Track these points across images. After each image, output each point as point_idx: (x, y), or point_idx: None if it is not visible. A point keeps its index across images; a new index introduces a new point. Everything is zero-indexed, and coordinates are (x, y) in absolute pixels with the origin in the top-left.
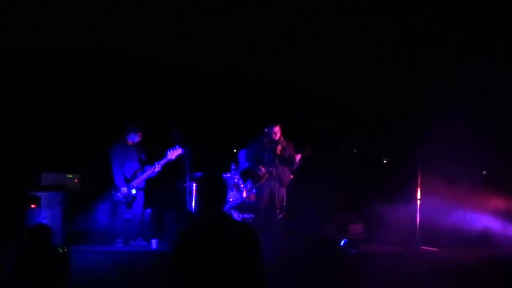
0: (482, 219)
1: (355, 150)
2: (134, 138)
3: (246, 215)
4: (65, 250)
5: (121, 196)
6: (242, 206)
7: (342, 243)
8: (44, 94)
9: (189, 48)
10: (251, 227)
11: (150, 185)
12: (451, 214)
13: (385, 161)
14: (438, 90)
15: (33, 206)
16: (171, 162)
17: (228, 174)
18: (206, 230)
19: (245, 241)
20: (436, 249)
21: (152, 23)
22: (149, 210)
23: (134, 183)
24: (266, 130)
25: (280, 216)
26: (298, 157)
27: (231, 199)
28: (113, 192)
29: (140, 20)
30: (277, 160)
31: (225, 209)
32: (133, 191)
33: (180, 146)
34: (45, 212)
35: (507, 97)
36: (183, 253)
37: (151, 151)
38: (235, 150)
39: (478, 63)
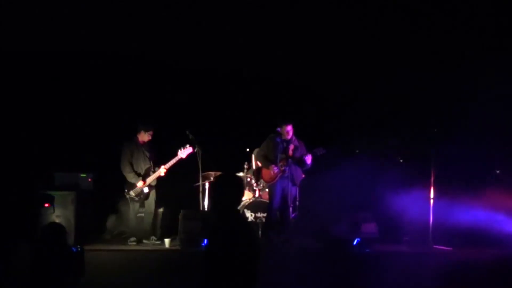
0: (496, 219)
1: (368, 150)
2: (145, 137)
3: (258, 214)
4: (79, 249)
5: (133, 194)
6: (254, 205)
7: (355, 242)
8: (58, 94)
9: (202, 48)
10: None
11: (162, 184)
12: (464, 213)
13: (401, 160)
14: (455, 90)
15: (46, 205)
16: (183, 161)
17: (241, 174)
18: (232, 233)
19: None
20: (449, 248)
21: (166, 23)
22: (161, 209)
23: (147, 181)
24: (279, 129)
25: (293, 215)
26: (309, 157)
27: (243, 198)
28: (126, 191)
29: (154, 21)
30: (289, 160)
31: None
32: (146, 189)
33: (192, 145)
34: (59, 211)
35: None
36: (214, 255)
37: (163, 150)
38: (247, 150)
39: (495, 59)
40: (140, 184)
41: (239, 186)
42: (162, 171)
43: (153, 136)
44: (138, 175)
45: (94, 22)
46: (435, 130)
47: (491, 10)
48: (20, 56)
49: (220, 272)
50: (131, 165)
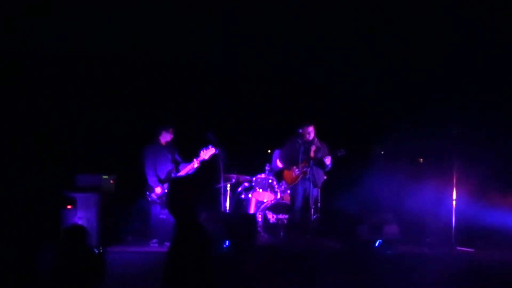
0: None
1: (390, 150)
2: (167, 137)
3: (280, 216)
4: (101, 250)
5: (155, 197)
6: (276, 206)
7: (377, 244)
8: (81, 98)
9: (223, 50)
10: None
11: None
12: (487, 214)
13: (421, 161)
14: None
15: (69, 207)
16: (205, 162)
17: (263, 175)
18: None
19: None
20: (472, 250)
21: (186, 26)
22: None
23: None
24: (300, 130)
25: (314, 217)
26: (328, 159)
27: (265, 200)
28: (147, 193)
29: (175, 24)
30: (311, 161)
31: (260, 209)
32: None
33: (214, 146)
34: (81, 213)
35: None
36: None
37: (186, 152)
38: (269, 151)
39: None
40: (158, 190)
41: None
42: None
43: (174, 137)
44: (161, 177)
45: (117, 26)
46: (455, 130)
47: None
48: (49, 60)
49: (175, 272)
50: (153, 167)
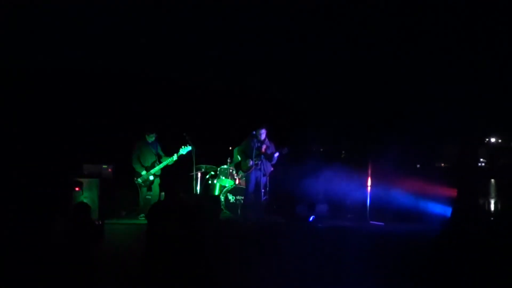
0: (417, 201)
1: (321, 149)
2: (151, 138)
3: (238, 197)
4: (100, 222)
5: (141, 181)
6: (235, 190)
7: (311, 219)
8: (88, 106)
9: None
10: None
11: (165, 173)
12: (392, 196)
13: (343, 156)
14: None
15: (77, 189)
16: (182, 156)
17: (225, 166)
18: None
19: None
20: (382, 223)
21: (167, 47)
22: (163, 193)
23: (152, 171)
24: (254, 132)
25: (264, 198)
26: (276, 154)
27: (227, 185)
28: (135, 178)
29: (156, 46)
30: (262, 156)
31: (223, 192)
32: (151, 177)
33: (189, 145)
34: (86, 194)
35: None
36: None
37: (167, 148)
38: (230, 148)
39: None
40: (144, 173)
41: (174, 176)
42: (175, 156)
43: (157, 137)
44: (145, 167)
45: (117, 47)
46: (372, 133)
47: None
48: (60, 73)
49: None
50: (139, 158)
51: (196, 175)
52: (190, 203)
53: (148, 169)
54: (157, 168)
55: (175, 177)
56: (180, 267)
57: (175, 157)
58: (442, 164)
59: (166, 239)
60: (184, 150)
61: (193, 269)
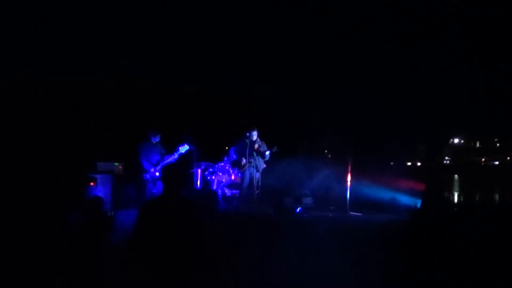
0: (391, 195)
1: (308, 148)
2: (155, 139)
3: (234, 191)
4: (112, 214)
5: (149, 177)
6: (231, 185)
7: (298, 210)
8: (99, 111)
9: (197, 79)
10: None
11: (165, 170)
12: (369, 190)
13: (329, 156)
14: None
15: (92, 184)
16: (183, 155)
17: (222, 163)
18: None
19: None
20: (360, 214)
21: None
22: None
23: (158, 168)
24: (247, 133)
25: (256, 192)
26: (267, 152)
27: (224, 180)
28: (143, 175)
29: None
30: (254, 154)
31: (220, 187)
32: (157, 174)
33: (189, 144)
34: (100, 188)
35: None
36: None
37: (170, 147)
38: (226, 147)
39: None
40: (152, 170)
41: (176, 172)
42: (175, 155)
43: (161, 138)
44: (151, 164)
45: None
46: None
47: None
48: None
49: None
50: (146, 157)
51: (196, 171)
52: (189, 198)
53: (155, 165)
54: (163, 164)
55: (175, 174)
56: (178, 260)
57: (176, 155)
58: (410, 163)
59: (162, 235)
60: (184, 149)
61: (192, 261)
